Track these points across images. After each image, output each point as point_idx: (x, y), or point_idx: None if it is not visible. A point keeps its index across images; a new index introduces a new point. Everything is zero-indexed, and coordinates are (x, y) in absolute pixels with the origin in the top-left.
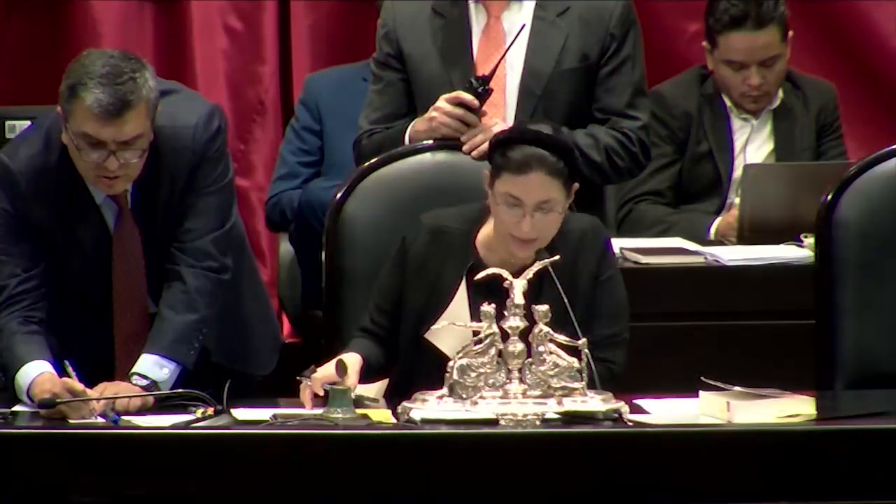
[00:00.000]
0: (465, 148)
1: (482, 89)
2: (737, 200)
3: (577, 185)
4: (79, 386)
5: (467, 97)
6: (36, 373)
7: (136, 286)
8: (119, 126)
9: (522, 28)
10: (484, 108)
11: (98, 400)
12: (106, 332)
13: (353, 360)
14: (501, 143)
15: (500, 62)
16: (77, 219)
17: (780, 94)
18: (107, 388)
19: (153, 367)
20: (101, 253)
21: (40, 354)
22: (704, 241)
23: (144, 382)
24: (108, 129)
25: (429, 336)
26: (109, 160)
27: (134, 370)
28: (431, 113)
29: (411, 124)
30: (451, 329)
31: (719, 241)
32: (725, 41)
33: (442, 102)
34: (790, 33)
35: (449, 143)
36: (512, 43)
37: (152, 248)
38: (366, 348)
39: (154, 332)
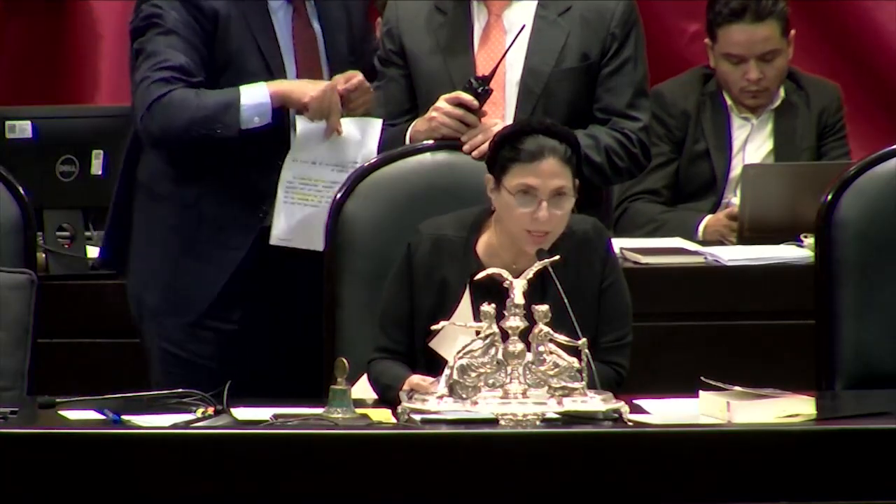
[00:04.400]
0: (465, 148)
1: (482, 90)
2: (734, 200)
3: (577, 181)
4: None
5: (467, 97)
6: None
7: None
8: None
9: (522, 29)
10: (484, 107)
11: (98, 399)
12: None
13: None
14: (509, 138)
15: (500, 63)
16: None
17: (782, 93)
18: None
19: None
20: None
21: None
22: (694, 240)
23: None
24: None
25: (433, 345)
26: None
27: None
28: (431, 113)
29: (412, 124)
30: (453, 333)
31: (717, 241)
32: (725, 34)
33: (442, 103)
34: (791, 32)
35: (449, 143)
36: (512, 44)
37: None
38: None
39: None
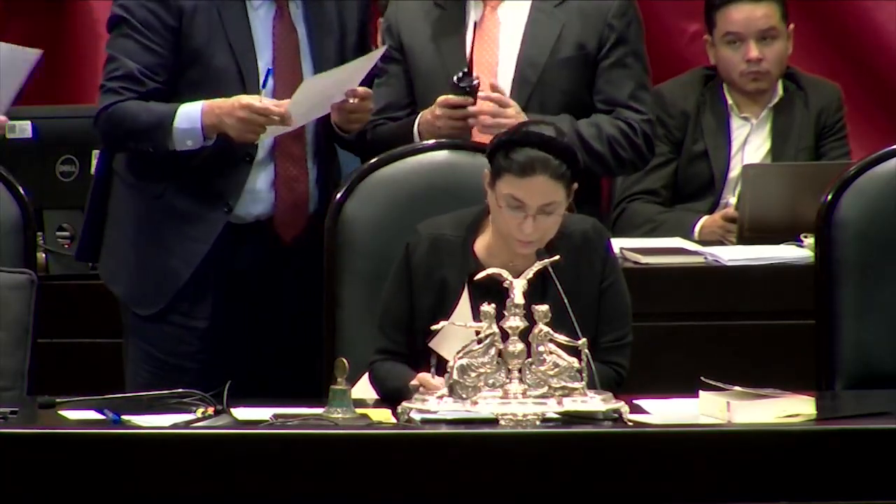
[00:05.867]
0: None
1: (469, 87)
2: (731, 200)
3: (576, 185)
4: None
5: (458, 100)
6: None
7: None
8: None
9: (499, 21)
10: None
11: (98, 399)
12: None
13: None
14: (504, 145)
15: (471, 57)
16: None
17: (780, 91)
18: None
19: None
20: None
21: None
22: (690, 241)
23: None
24: None
25: (433, 345)
26: None
27: None
28: (436, 123)
29: (418, 117)
30: (453, 333)
31: (713, 242)
32: (724, 15)
33: (440, 110)
34: (791, 26)
35: (449, 142)
36: (474, 39)
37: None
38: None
39: None
